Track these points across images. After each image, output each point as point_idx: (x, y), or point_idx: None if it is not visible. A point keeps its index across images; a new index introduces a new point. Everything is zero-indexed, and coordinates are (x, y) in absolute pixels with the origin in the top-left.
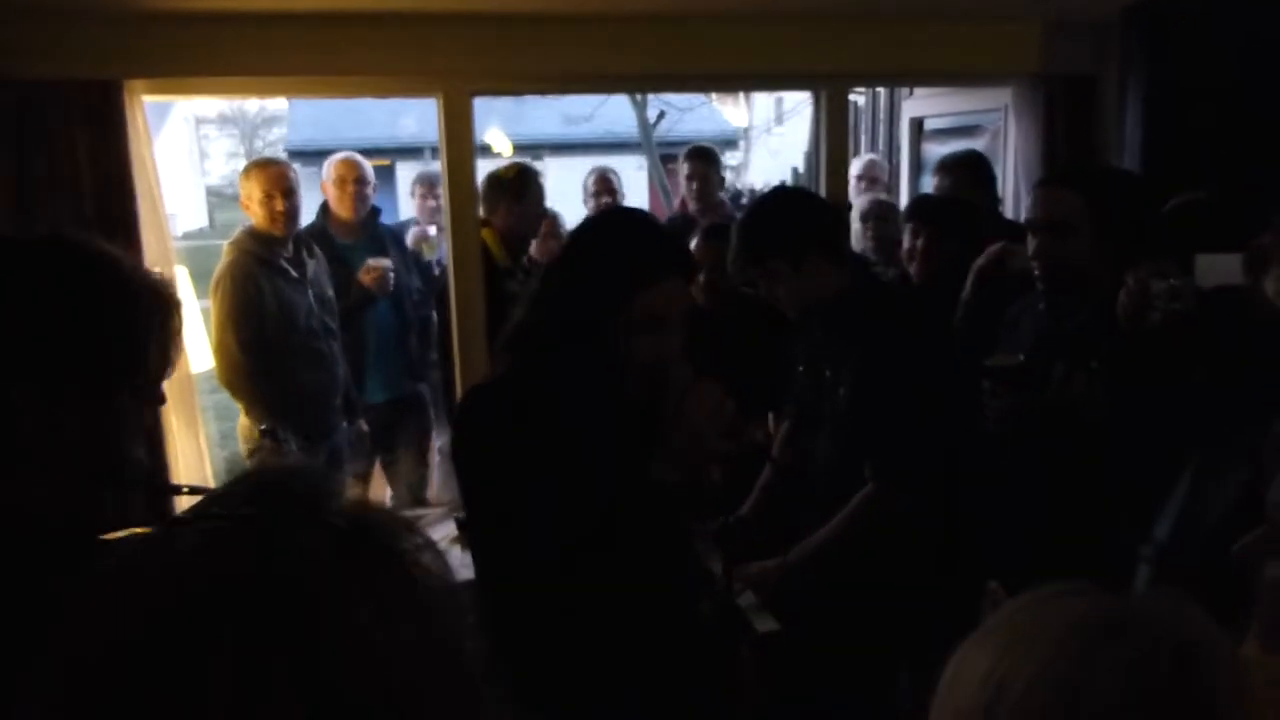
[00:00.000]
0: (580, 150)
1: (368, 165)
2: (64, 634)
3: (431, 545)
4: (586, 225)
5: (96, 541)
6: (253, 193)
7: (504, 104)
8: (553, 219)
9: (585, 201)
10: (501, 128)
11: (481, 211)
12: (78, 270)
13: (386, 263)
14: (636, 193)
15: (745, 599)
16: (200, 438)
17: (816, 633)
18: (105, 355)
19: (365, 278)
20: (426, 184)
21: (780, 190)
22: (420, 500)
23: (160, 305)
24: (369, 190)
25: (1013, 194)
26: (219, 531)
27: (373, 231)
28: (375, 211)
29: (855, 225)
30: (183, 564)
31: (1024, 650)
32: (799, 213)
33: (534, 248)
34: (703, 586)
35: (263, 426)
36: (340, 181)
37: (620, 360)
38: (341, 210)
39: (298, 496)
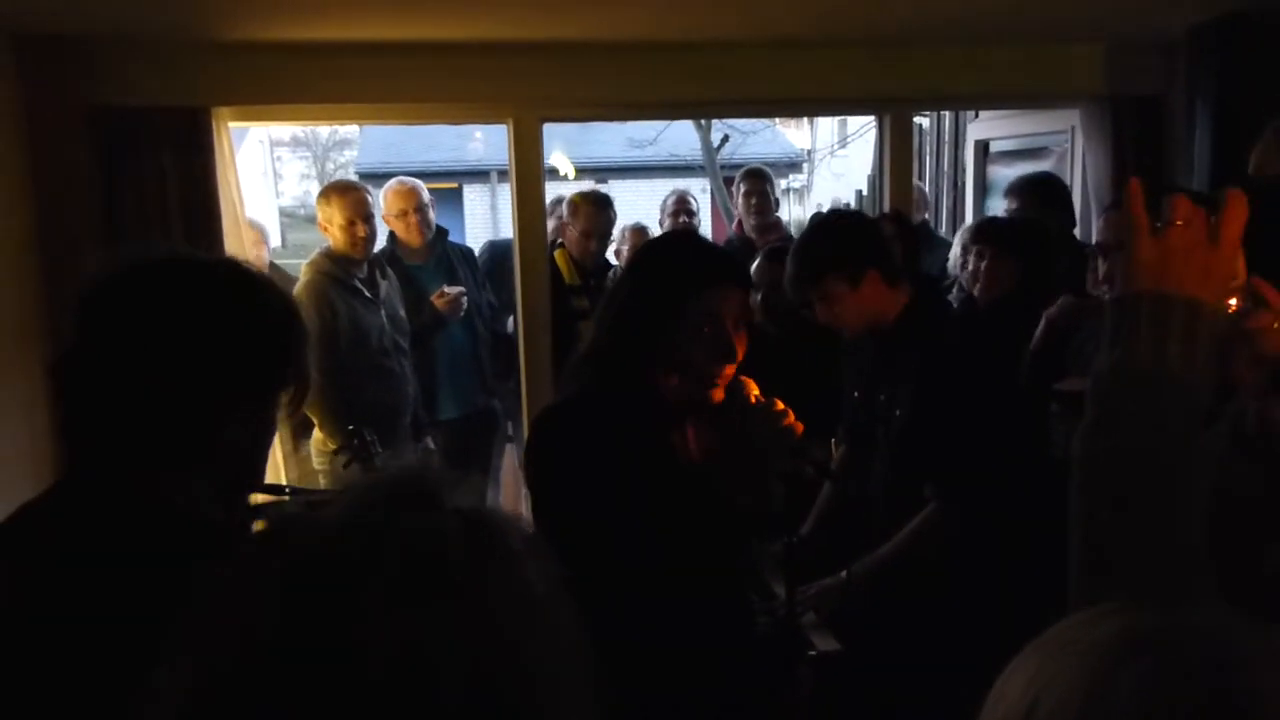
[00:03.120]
0: (645, 173)
1: (422, 188)
2: (215, 600)
3: (542, 547)
4: (644, 247)
5: (226, 540)
6: (333, 217)
7: (570, 128)
8: (639, 231)
9: (661, 222)
10: (567, 151)
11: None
12: (259, 294)
13: (461, 289)
14: (700, 216)
15: (807, 618)
16: (277, 448)
17: (878, 653)
18: (274, 374)
19: (439, 301)
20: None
21: (834, 212)
22: None
23: (306, 331)
24: (431, 213)
25: (1082, 215)
26: (356, 507)
27: (440, 251)
28: (442, 232)
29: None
30: (327, 533)
31: (1062, 662)
32: (855, 232)
33: (625, 258)
34: (763, 605)
35: (350, 427)
36: (402, 214)
37: (679, 366)
38: (410, 239)
39: (425, 489)
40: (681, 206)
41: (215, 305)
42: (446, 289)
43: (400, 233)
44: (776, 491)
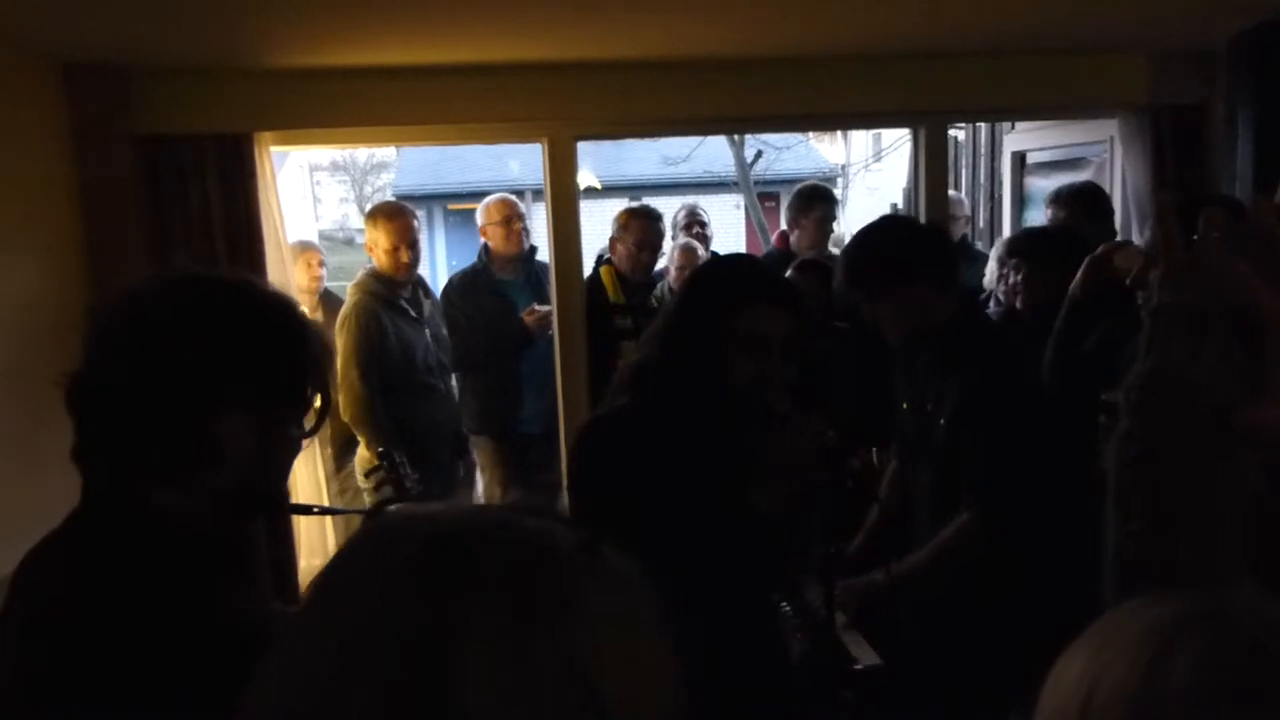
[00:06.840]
0: (678, 190)
1: (519, 203)
2: (339, 584)
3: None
4: (699, 265)
5: (234, 552)
6: (380, 241)
7: (604, 146)
8: (688, 250)
9: (674, 236)
10: (602, 169)
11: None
12: (276, 310)
13: (549, 308)
14: (734, 231)
15: (838, 619)
16: (318, 467)
17: (919, 671)
18: (289, 390)
19: (529, 319)
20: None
21: (889, 216)
22: None
23: (326, 352)
24: (529, 226)
25: (1123, 226)
26: (475, 510)
27: (529, 268)
28: (533, 249)
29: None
30: (447, 521)
31: (1115, 648)
32: (906, 236)
33: (672, 276)
34: (800, 618)
35: (380, 449)
36: (506, 221)
37: (725, 383)
38: (509, 247)
39: (541, 509)
40: (693, 219)
41: (204, 320)
42: (536, 307)
43: (498, 241)
44: (807, 500)
